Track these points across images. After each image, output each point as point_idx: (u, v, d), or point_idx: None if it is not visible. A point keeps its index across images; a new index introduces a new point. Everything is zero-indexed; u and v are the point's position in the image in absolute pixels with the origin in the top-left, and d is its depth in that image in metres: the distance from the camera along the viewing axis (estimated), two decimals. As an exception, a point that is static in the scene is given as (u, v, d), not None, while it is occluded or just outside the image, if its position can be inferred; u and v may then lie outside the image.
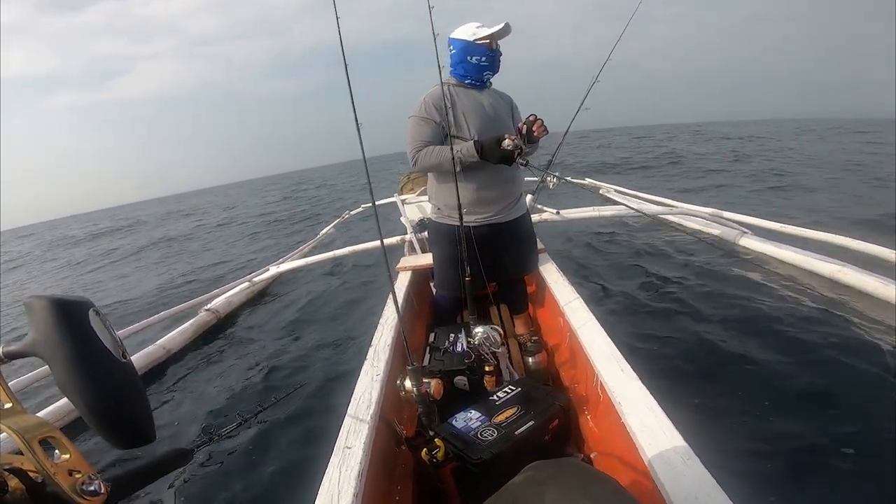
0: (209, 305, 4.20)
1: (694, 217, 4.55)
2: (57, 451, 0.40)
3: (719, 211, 4.47)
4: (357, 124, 1.48)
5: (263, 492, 1.91)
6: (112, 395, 0.40)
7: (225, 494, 1.91)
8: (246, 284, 4.58)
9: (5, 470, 0.38)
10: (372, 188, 1.54)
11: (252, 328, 4.02)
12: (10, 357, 0.40)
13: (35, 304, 0.39)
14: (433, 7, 1.89)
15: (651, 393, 1.24)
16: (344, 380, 2.08)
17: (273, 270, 4.60)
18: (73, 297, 0.40)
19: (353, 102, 1.45)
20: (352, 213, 7.82)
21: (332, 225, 7.49)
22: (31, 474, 0.38)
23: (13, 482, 0.37)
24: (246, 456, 2.10)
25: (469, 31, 1.95)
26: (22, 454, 0.38)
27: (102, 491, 0.40)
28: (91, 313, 0.41)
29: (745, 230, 4.09)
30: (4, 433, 0.39)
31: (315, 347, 3.37)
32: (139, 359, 3.32)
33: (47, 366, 0.39)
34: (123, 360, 0.42)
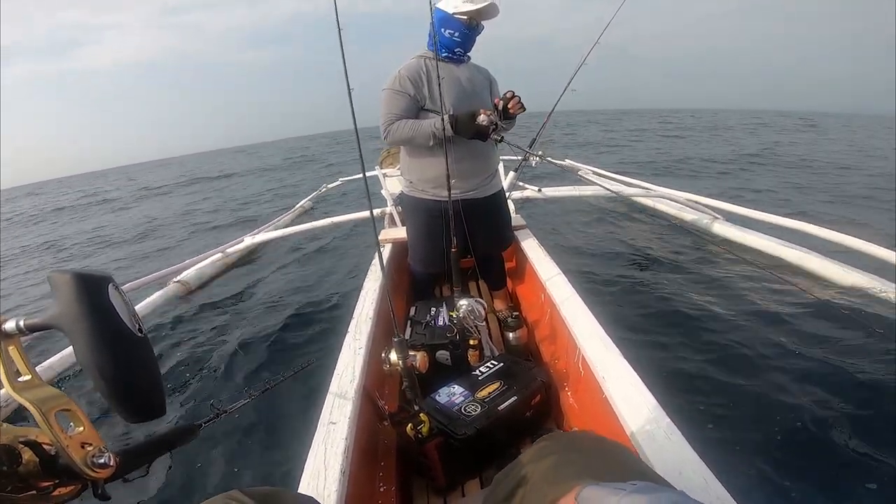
0: (179, 277, 4.05)
1: (669, 201, 4.62)
2: (71, 423, 0.41)
3: (695, 196, 4.53)
4: (349, 90, 1.41)
5: (263, 466, 1.89)
6: (127, 368, 0.41)
7: (227, 469, 1.89)
8: (219, 255, 4.44)
9: (20, 442, 0.38)
10: (363, 159, 1.49)
11: (225, 301, 3.91)
12: (32, 330, 0.40)
13: (58, 278, 0.39)
14: None
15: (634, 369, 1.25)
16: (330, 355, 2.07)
17: (248, 241, 4.47)
18: (94, 272, 0.41)
19: (345, 66, 1.38)
20: (329, 186, 7.67)
21: (308, 198, 7.34)
22: (45, 446, 0.39)
23: (27, 454, 0.38)
24: (248, 432, 2.07)
25: (453, 3, 1.89)
26: (37, 426, 0.39)
27: (112, 463, 0.41)
28: (111, 287, 0.41)
29: (718, 216, 4.20)
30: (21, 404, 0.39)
31: (295, 320, 3.30)
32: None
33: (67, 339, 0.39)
34: (140, 335, 0.43)
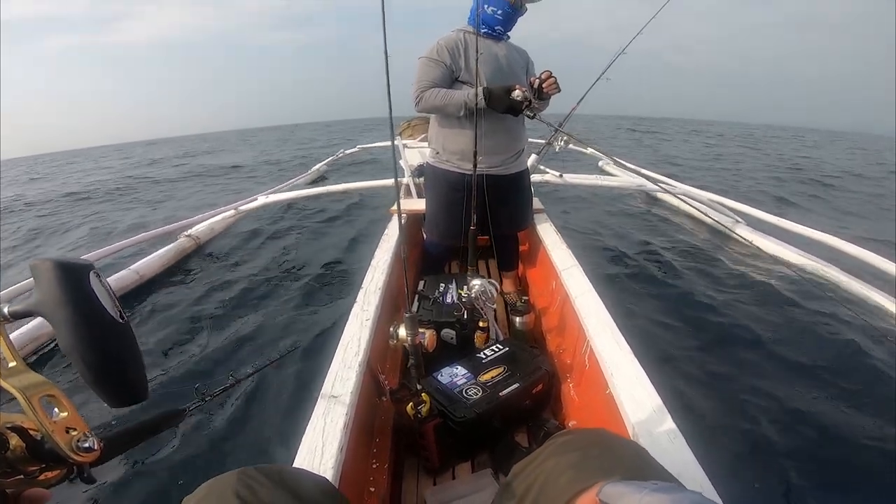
0: (189, 231, 4.04)
1: (691, 199, 4.52)
2: (56, 408, 0.42)
3: (717, 196, 4.42)
4: (386, 56, 1.35)
5: (252, 449, 1.83)
6: (108, 354, 0.42)
7: (213, 453, 1.82)
8: (231, 212, 4.42)
9: (7, 428, 0.39)
10: (393, 126, 1.43)
11: (233, 258, 3.91)
12: (15, 317, 0.40)
13: (39, 266, 0.40)
14: None
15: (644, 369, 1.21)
16: (334, 330, 2.04)
17: (261, 200, 4.45)
18: (75, 260, 0.42)
19: (384, 30, 1.32)
20: (346, 151, 7.61)
21: (324, 162, 7.29)
22: (31, 432, 0.40)
23: (14, 440, 0.39)
24: (235, 415, 2.00)
25: None
26: (23, 412, 0.40)
27: (96, 448, 0.41)
28: (92, 275, 0.42)
29: (739, 219, 4.09)
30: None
31: (302, 287, 3.26)
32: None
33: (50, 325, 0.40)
34: (121, 322, 0.43)
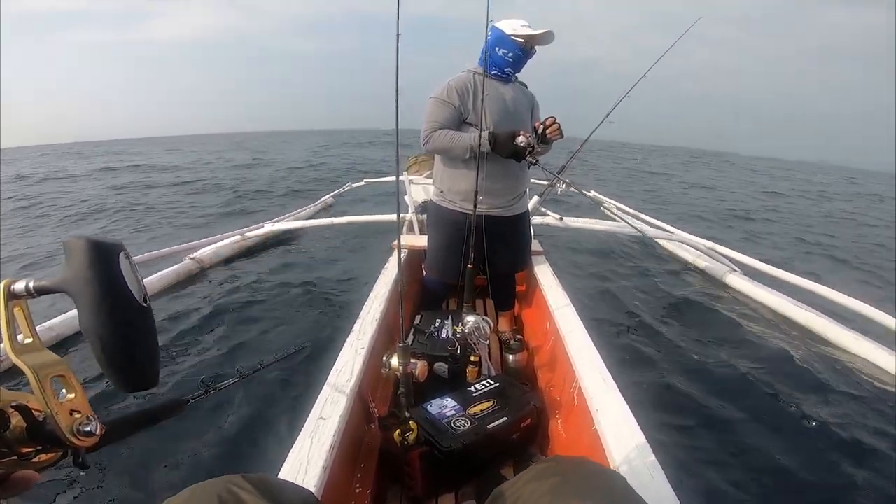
0: (195, 254, 4.10)
1: (688, 247, 4.59)
2: (64, 389, 0.42)
3: (714, 245, 4.50)
4: (397, 92, 1.44)
5: (237, 457, 1.88)
6: (127, 336, 0.41)
7: (214, 446, 1.89)
8: (237, 237, 4.52)
9: (11, 407, 0.39)
10: (399, 162, 1.52)
11: (234, 283, 3.96)
12: (40, 292, 0.40)
13: (72, 243, 0.40)
14: None
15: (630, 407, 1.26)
16: (330, 349, 2.11)
17: (267, 228, 4.55)
18: (108, 240, 0.42)
19: (397, 67, 1.42)
20: (353, 185, 7.76)
21: (331, 194, 7.43)
22: (34, 412, 0.40)
23: (15, 419, 0.39)
24: (235, 412, 2.07)
25: (511, 25, 1.95)
26: (30, 390, 0.40)
27: (97, 432, 0.41)
28: (121, 256, 0.42)
29: (735, 268, 4.16)
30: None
31: (303, 310, 3.34)
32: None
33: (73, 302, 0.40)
34: (144, 305, 0.43)
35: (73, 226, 6.96)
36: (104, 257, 0.40)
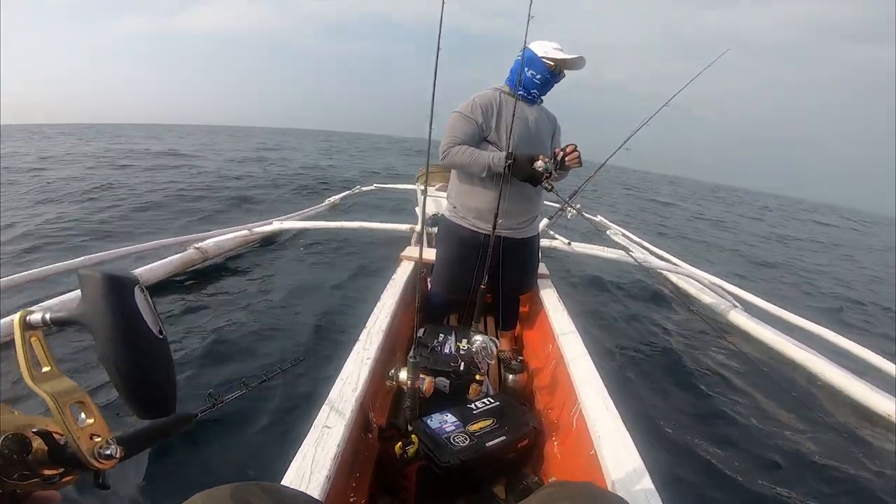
0: (200, 244, 4.10)
1: (692, 280, 4.60)
2: (83, 414, 0.43)
3: (719, 280, 4.50)
4: (433, 101, 1.45)
5: (255, 458, 1.88)
6: (145, 368, 0.43)
7: (220, 459, 1.87)
8: (245, 232, 4.53)
9: (33, 432, 0.40)
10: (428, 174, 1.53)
11: (237, 275, 3.98)
12: (56, 324, 0.41)
13: (88, 276, 0.41)
14: (532, 17, 1.91)
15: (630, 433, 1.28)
16: (333, 357, 2.11)
17: (276, 225, 4.56)
18: (123, 273, 0.43)
19: (435, 74, 1.44)
20: (363, 188, 7.80)
21: (340, 196, 7.46)
22: (56, 436, 0.41)
23: (37, 443, 0.39)
24: (240, 422, 2.06)
25: (543, 48, 1.95)
26: (48, 415, 0.41)
27: (118, 455, 0.42)
28: (137, 290, 0.43)
29: (737, 304, 4.17)
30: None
31: (303, 311, 3.33)
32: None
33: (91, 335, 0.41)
34: (160, 337, 0.44)
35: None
36: (119, 291, 0.41)
